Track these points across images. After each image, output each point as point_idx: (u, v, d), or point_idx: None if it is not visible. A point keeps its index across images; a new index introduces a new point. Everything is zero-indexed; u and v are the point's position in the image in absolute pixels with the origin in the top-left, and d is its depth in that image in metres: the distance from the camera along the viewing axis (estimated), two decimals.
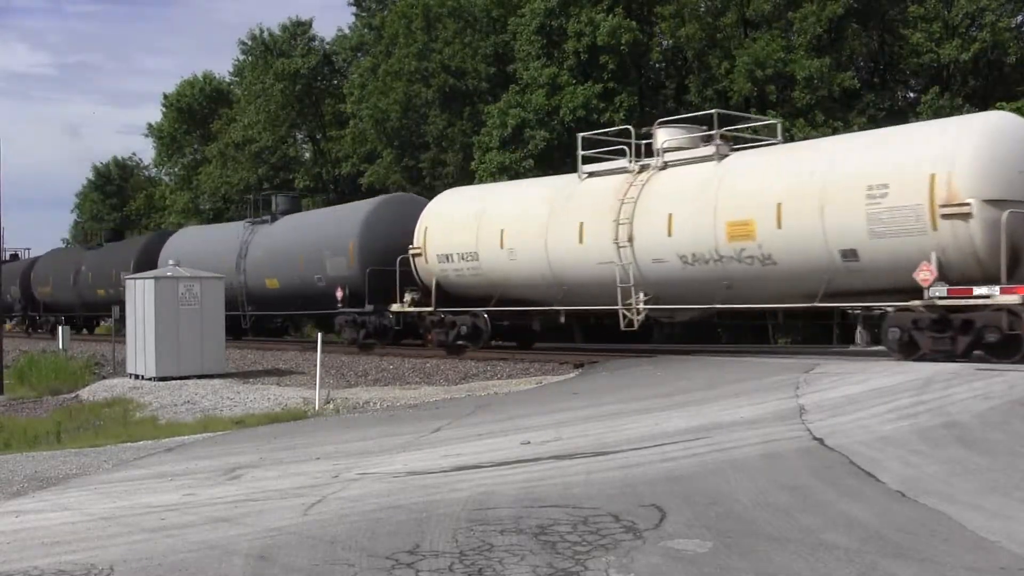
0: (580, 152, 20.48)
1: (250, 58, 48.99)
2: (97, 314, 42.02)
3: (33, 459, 12.43)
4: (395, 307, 23.68)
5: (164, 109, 55.45)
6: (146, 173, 66.06)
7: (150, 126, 59.10)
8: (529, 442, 10.02)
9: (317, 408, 16.71)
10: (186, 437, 14.12)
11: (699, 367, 16.35)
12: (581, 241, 19.40)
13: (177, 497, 8.62)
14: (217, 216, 47.21)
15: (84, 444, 14.40)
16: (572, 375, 17.93)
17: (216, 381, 21.14)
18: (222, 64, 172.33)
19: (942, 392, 11.06)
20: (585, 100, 30.01)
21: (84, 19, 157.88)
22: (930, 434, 8.87)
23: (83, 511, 8.42)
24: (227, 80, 54.29)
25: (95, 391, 22.63)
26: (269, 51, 46.39)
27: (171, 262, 23.98)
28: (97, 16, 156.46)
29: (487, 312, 21.76)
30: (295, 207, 32.28)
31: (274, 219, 30.61)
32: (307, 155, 47.27)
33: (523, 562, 5.67)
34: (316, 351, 19.61)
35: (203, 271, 24.03)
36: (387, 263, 23.71)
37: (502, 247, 21.08)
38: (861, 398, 11.09)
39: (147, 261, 33.30)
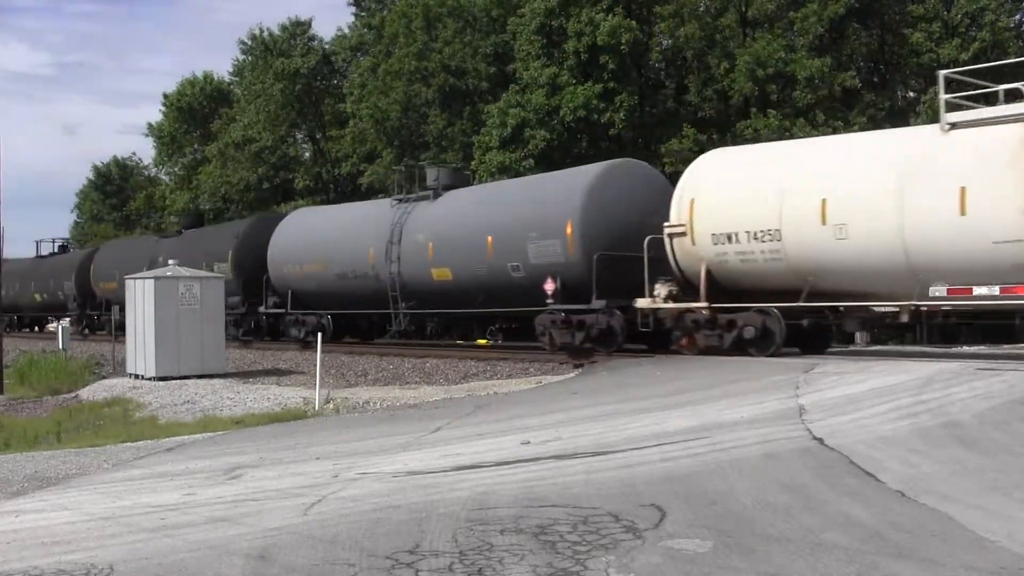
0: (942, 96, 15.84)
1: (250, 58, 49.03)
2: None
3: (33, 459, 12.42)
4: (643, 302, 18.43)
5: (164, 109, 55.53)
6: (146, 173, 66.11)
7: (150, 126, 59.25)
8: (529, 442, 10.02)
9: (317, 408, 16.70)
10: (186, 437, 14.11)
11: (699, 367, 16.34)
12: (963, 212, 14.59)
13: (177, 497, 8.62)
14: (217, 216, 47.22)
15: (84, 444, 14.39)
16: (572, 375, 17.92)
17: (216, 381, 21.13)
18: (221, 64, 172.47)
19: (942, 392, 11.06)
20: (585, 100, 30.01)
21: (83, 19, 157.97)
22: (930, 434, 8.87)
23: (83, 511, 8.41)
24: (227, 80, 54.34)
25: (95, 391, 22.62)
26: (269, 51, 46.43)
27: (172, 262, 23.96)
28: (96, 16, 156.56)
29: (782, 308, 16.87)
30: (462, 181, 26.22)
31: (436, 195, 24.59)
32: (307, 155, 47.29)
33: (523, 562, 5.67)
34: (316, 351, 19.62)
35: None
36: (618, 247, 19.13)
37: (824, 223, 16.07)
38: (861, 398, 11.09)
39: (250, 249, 29.61)
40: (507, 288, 21.38)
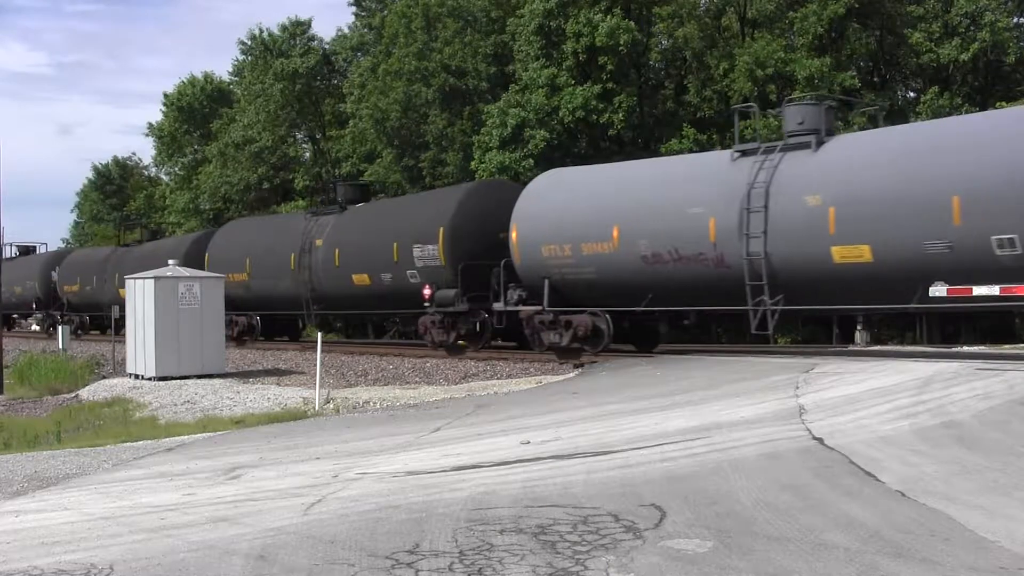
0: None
1: (249, 58, 49.01)
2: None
3: (33, 459, 12.42)
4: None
5: (164, 108, 55.50)
6: (146, 173, 66.11)
7: (150, 125, 59.21)
8: (529, 442, 10.02)
9: (317, 408, 16.70)
10: (186, 437, 14.11)
11: (699, 367, 16.34)
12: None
13: (177, 497, 8.62)
14: (217, 216, 47.25)
15: (84, 444, 14.39)
16: (572, 375, 17.93)
17: (216, 381, 21.14)
18: (221, 64, 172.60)
19: (942, 392, 11.07)
20: (584, 101, 30.02)
21: (83, 18, 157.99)
22: (930, 434, 8.87)
23: (83, 511, 8.41)
24: (227, 80, 54.34)
25: (95, 391, 22.62)
26: (269, 51, 46.40)
27: (171, 262, 23.97)
28: (96, 15, 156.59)
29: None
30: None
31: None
32: (307, 155, 47.29)
33: (523, 562, 5.67)
34: (316, 351, 19.61)
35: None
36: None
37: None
38: (861, 398, 11.10)
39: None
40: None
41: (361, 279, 25.21)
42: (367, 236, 25.23)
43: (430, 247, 22.67)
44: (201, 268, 27.62)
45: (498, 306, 21.25)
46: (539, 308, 20.26)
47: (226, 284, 24.97)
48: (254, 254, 29.37)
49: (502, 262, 20.95)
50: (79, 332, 40.24)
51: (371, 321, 35.53)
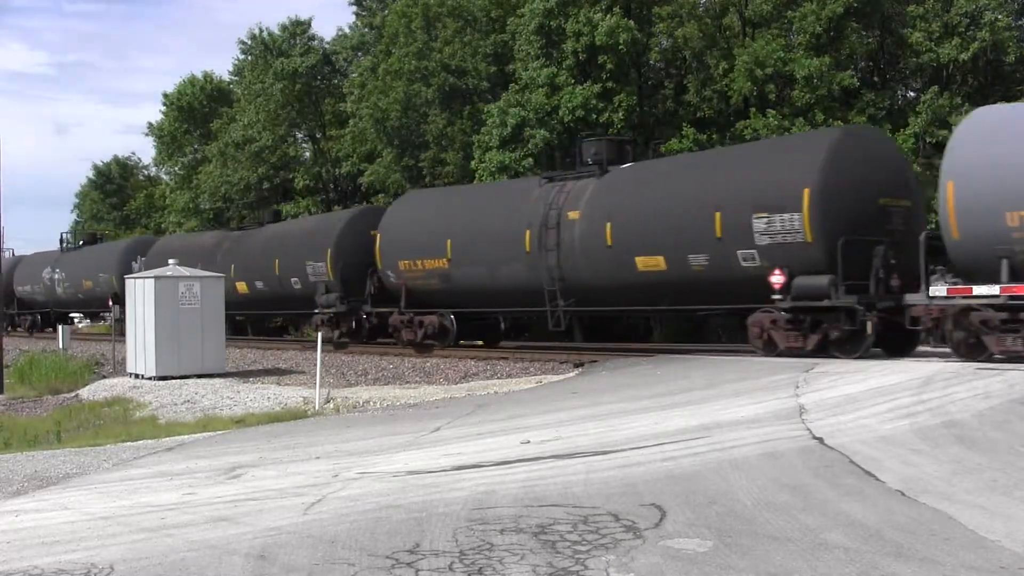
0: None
1: (249, 58, 48.98)
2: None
3: (33, 459, 12.42)
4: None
5: (164, 108, 55.49)
6: (146, 172, 66.08)
7: (150, 125, 59.19)
8: (529, 441, 10.02)
9: (317, 407, 16.70)
10: (186, 436, 14.11)
11: (699, 367, 16.34)
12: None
13: (177, 496, 8.62)
14: (217, 216, 47.24)
15: (84, 443, 14.39)
16: (572, 374, 17.93)
17: (216, 380, 21.14)
18: (221, 63, 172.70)
19: (942, 391, 11.06)
20: (584, 100, 29.99)
21: (83, 18, 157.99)
22: (930, 433, 8.87)
23: (83, 510, 8.41)
24: (227, 80, 54.31)
25: (95, 390, 22.63)
26: (269, 51, 46.36)
27: (171, 261, 23.97)
28: (96, 15, 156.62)
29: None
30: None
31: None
32: (307, 154, 47.26)
33: (523, 561, 5.67)
34: (316, 350, 19.61)
35: (202, 271, 24.11)
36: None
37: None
38: (861, 397, 11.09)
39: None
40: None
41: (651, 263, 18.78)
42: (661, 204, 18.92)
43: (785, 216, 16.63)
44: (361, 255, 25.87)
45: (367, 308, 26.23)
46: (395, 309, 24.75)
47: (409, 273, 23.96)
48: (458, 233, 23.11)
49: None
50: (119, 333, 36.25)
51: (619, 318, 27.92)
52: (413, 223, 24.50)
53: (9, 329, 43.06)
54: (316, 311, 27.46)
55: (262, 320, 37.36)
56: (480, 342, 25.48)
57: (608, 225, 19.43)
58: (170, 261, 23.98)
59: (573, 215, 20.29)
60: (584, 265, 20.01)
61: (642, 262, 18.85)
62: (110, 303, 32.62)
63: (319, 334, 22.32)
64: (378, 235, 25.07)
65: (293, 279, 28.60)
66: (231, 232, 35.34)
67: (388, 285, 24.94)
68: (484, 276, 22.42)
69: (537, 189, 21.73)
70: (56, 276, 42.79)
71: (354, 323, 26.45)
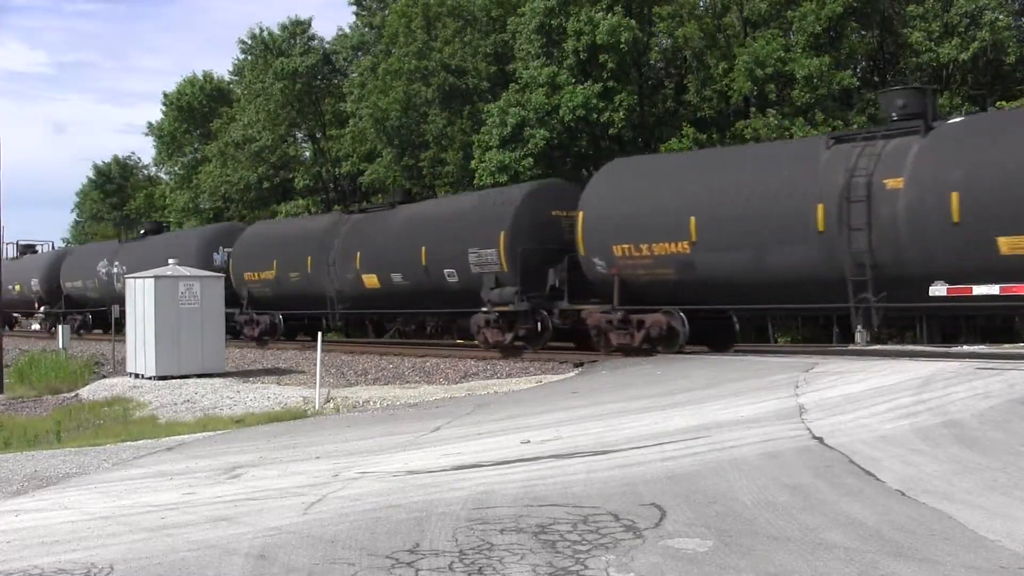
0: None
1: (250, 57, 49.00)
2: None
3: (33, 458, 12.42)
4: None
5: (164, 108, 55.52)
6: (146, 172, 66.10)
7: (150, 125, 59.22)
8: (529, 441, 10.02)
9: (317, 407, 16.70)
10: (186, 436, 14.11)
11: (699, 366, 16.33)
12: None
13: (177, 496, 8.62)
14: (217, 215, 47.23)
15: (84, 443, 14.39)
16: (572, 374, 17.93)
17: (216, 380, 21.14)
18: (221, 63, 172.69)
19: (942, 391, 11.06)
20: (585, 99, 30.01)
21: (83, 18, 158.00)
22: (930, 433, 8.87)
23: (83, 510, 8.41)
24: (227, 79, 54.34)
25: (95, 390, 22.63)
26: (269, 50, 46.39)
27: (171, 261, 23.97)
28: (96, 15, 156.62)
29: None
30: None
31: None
32: (307, 154, 47.29)
33: (523, 561, 5.67)
34: (316, 350, 19.61)
35: (202, 271, 24.11)
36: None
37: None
38: (861, 397, 11.09)
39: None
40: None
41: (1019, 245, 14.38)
42: None
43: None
44: (540, 240, 20.98)
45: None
46: None
47: (628, 261, 18.85)
48: (704, 209, 18.14)
49: None
50: (279, 336, 29.60)
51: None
52: (633, 197, 19.30)
53: (52, 330, 39.88)
54: (483, 309, 21.99)
55: (401, 320, 31.58)
56: (705, 347, 19.65)
57: (954, 198, 15.02)
58: (170, 261, 23.96)
59: (893, 183, 15.71)
60: (911, 247, 15.57)
61: (1007, 244, 14.57)
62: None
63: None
64: (580, 213, 19.82)
65: (447, 270, 22.72)
66: (350, 215, 28.60)
67: (593, 277, 19.72)
68: (746, 263, 17.23)
69: (826, 152, 16.93)
70: (115, 270, 37.57)
71: (538, 324, 21.10)
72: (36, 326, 47.14)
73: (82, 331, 40.93)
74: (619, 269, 18.97)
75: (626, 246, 18.83)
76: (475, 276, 21.93)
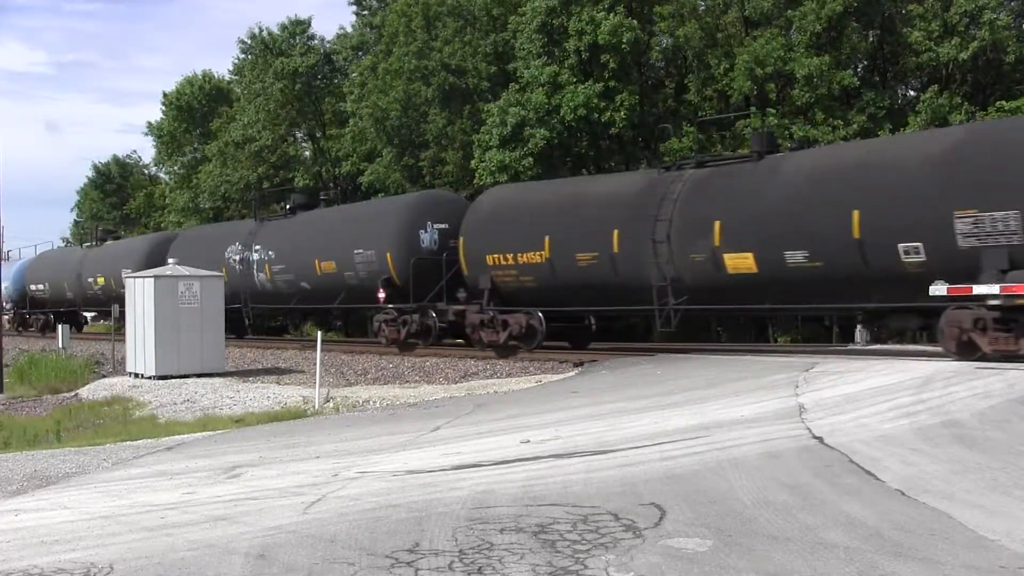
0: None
1: (249, 57, 48.97)
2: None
3: (32, 458, 12.42)
4: None
5: (164, 107, 55.49)
6: (146, 172, 66.07)
7: (150, 124, 59.19)
8: (529, 441, 10.02)
9: (317, 407, 16.70)
10: (186, 436, 14.11)
11: (699, 366, 16.33)
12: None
13: (177, 496, 8.62)
14: (217, 215, 47.22)
15: (83, 443, 14.39)
16: (572, 374, 17.92)
17: (216, 380, 21.14)
18: (221, 63, 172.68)
19: (942, 391, 11.06)
20: (586, 99, 29.99)
21: (82, 18, 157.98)
22: (930, 433, 8.87)
23: (82, 510, 8.41)
24: (227, 79, 54.30)
25: (95, 390, 22.62)
26: (268, 50, 46.36)
27: (171, 260, 23.97)
28: (95, 15, 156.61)
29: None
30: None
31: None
32: (307, 154, 47.26)
33: (523, 561, 5.67)
34: (316, 349, 19.61)
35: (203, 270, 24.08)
36: None
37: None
38: (861, 397, 11.09)
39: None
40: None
41: None
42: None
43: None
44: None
45: None
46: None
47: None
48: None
49: None
50: (536, 346, 21.44)
51: None
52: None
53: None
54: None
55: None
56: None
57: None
58: (169, 260, 23.96)
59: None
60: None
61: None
62: (380, 295, 23.55)
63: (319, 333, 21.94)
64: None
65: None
66: (679, 170, 19.62)
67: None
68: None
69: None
70: (254, 256, 29.01)
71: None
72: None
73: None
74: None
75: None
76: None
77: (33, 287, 44.73)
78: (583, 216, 20.00)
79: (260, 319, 33.14)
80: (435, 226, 23.90)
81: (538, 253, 20.71)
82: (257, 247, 29.40)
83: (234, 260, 30.21)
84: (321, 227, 27.50)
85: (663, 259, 18.22)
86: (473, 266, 22.28)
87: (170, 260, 24.74)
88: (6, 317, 47.05)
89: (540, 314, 20.98)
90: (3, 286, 44.78)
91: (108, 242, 42.81)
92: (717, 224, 17.44)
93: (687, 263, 17.98)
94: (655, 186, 19.11)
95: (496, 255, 21.73)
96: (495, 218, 22.37)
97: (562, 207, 20.87)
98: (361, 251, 24.53)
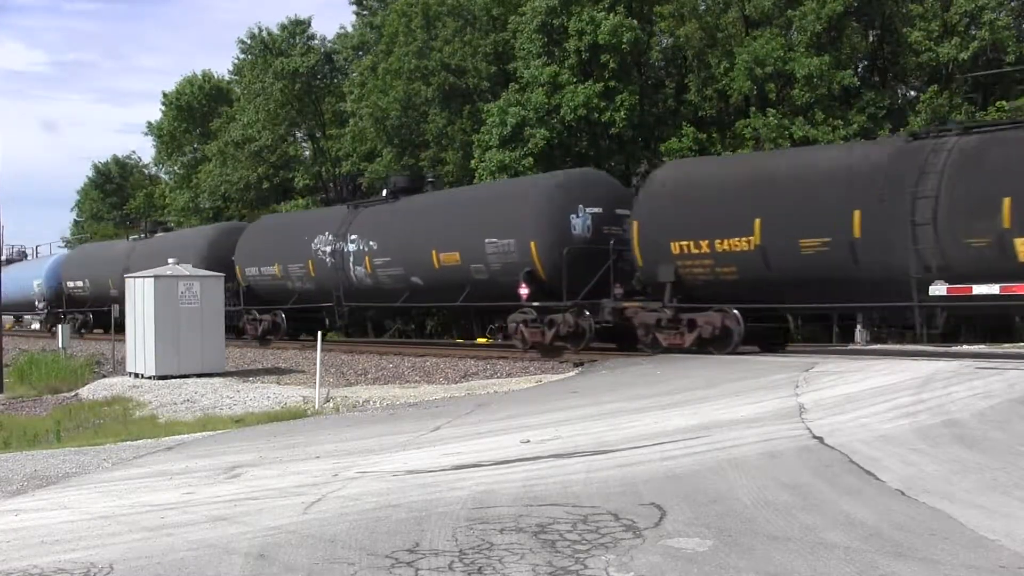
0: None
1: (249, 57, 48.99)
2: None
3: (32, 458, 12.41)
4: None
5: (164, 107, 55.51)
6: (146, 172, 66.10)
7: (150, 124, 59.21)
8: (529, 441, 10.02)
9: (317, 407, 16.70)
10: (186, 436, 14.11)
11: (699, 366, 16.33)
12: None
13: (177, 496, 8.61)
14: (217, 215, 47.22)
15: (83, 443, 14.39)
16: (572, 373, 17.91)
17: (216, 380, 21.13)
18: (221, 63, 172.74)
19: (942, 391, 11.06)
20: (586, 99, 30.00)
21: (82, 17, 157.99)
22: (930, 433, 8.87)
23: (82, 510, 8.41)
24: (226, 79, 54.32)
25: (95, 390, 22.62)
26: (268, 50, 46.38)
27: (171, 260, 23.95)
28: (95, 14, 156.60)
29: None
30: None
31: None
32: (307, 154, 47.27)
33: (523, 560, 5.66)
34: (316, 349, 19.61)
35: (203, 270, 24.08)
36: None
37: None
38: (861, 396, 11.09)
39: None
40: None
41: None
42: None
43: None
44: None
45: None
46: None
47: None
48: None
49: None
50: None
51: None
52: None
53: (231, 336, 27.76)
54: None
55: None
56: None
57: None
58: (169, 260, 23.94)
59: None
60: None
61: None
62: (522, 291, 20.55)
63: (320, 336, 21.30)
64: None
65: None
66: (938, 137, 16.09)
67: None
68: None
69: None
70: (350, 247, 25.79)
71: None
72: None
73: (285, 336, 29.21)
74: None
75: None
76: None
77: (71, 284, 41.67)
78: (807, 194, 16.74)
79: (354, 317, 28.62)
80: (588, 210, 20.38)
81: (744, 239, 17.19)
82: (353, 237, 25.40)
83: (323, 252, 26.50)
84: (436, 213, 23.73)
85: (926, 245, 15.12)
86: (651, 255, 18.57)
87: (176, 262, 24.59)
88: (38, 319, 46.36)
89: (736, 312, 17.59)
90: (34, 284, 44.30)
91: (159, 234, 38.91)
92: (1007, 202, 14.24)
93: (960, 249, 14.82)
94: (906, 157, 15.73)
95: (684, 242, 18.02)
96: (680, 198, 18.60)
97: (775, 183, 17.48)
98: (495, 240, 20.85)
